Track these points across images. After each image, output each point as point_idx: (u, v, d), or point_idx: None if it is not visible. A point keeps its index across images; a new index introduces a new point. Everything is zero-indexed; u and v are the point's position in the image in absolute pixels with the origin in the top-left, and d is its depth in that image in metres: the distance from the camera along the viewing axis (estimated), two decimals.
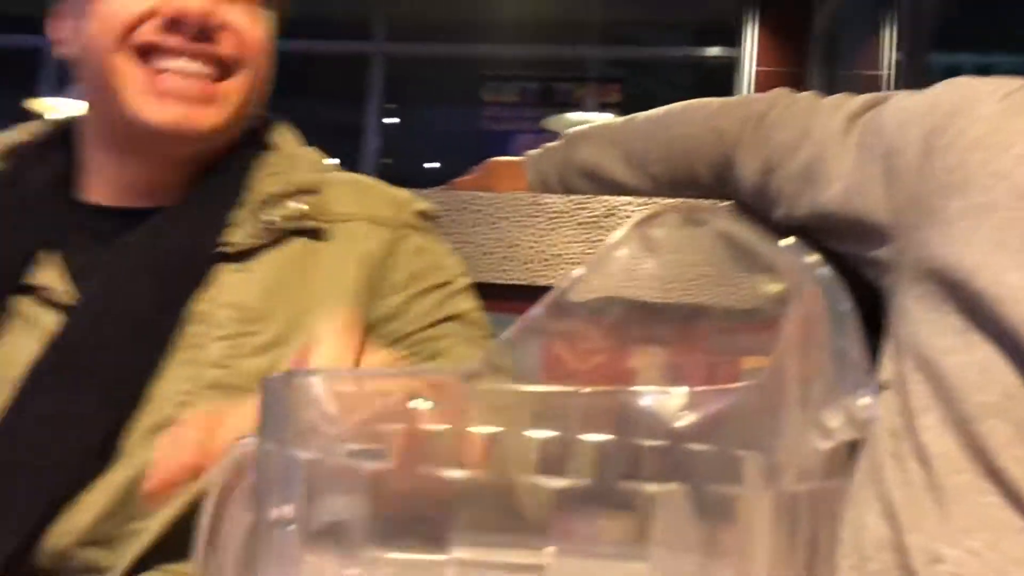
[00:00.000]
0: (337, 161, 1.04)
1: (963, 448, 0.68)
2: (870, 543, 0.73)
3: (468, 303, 0.91)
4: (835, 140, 0.85)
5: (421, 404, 0.37)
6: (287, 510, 0.38)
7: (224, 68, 0.84)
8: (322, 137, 1.00)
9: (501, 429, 0.35)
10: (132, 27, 0.81)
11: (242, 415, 0.48)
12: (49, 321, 0.80)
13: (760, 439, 0.34)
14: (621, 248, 0.39)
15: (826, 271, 0.38)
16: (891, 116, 0.82)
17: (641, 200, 1.02)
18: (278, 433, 0.40)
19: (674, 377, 0.41)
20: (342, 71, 7.05)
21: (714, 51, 6.23)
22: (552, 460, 0.34)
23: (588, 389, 0.34)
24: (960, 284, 0.70)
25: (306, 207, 0.85)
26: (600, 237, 1.03)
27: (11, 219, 0.86)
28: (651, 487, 0.33)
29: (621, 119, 1.07)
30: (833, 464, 0.36)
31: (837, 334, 0.35)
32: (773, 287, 0.38)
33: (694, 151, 0.99)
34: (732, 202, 0.98)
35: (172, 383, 0.79)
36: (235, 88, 0.85)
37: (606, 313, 0.41)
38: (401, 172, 6.69)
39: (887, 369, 0.78)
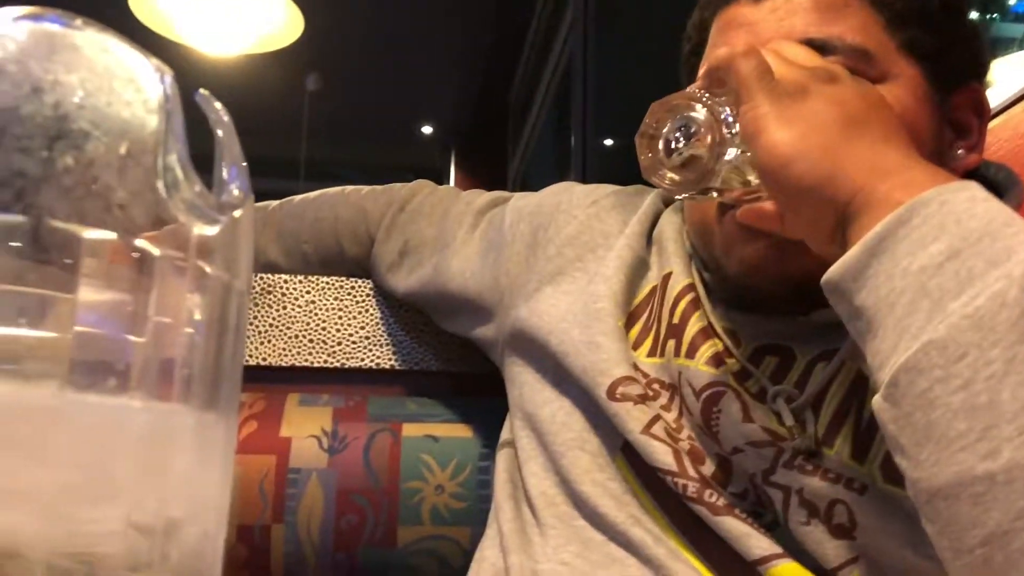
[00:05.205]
0: None
1: (557, 485, 0.78)
2: (485, 572, 0.81)
3: None
4: (464, 232, 0.96)
5: None
6: None
7: None
8: None
9: None
10: None
11: None
12: None
13: None
14: None
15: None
16: (509, 214, 0.94)
17: (299, 278, 1.08)
18: None
19: None
20: None
21: None
22: None
23: None
24: (543, 345, 0.82)
25: None
26: (261, 314, 1.07)
27: None
28: None
29: (277, 202, 1.12)
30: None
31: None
32: None
33: (343, 231, 1.07)
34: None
35: None
36: None
37: None
38: None
39: (507, 429, 0.89)
